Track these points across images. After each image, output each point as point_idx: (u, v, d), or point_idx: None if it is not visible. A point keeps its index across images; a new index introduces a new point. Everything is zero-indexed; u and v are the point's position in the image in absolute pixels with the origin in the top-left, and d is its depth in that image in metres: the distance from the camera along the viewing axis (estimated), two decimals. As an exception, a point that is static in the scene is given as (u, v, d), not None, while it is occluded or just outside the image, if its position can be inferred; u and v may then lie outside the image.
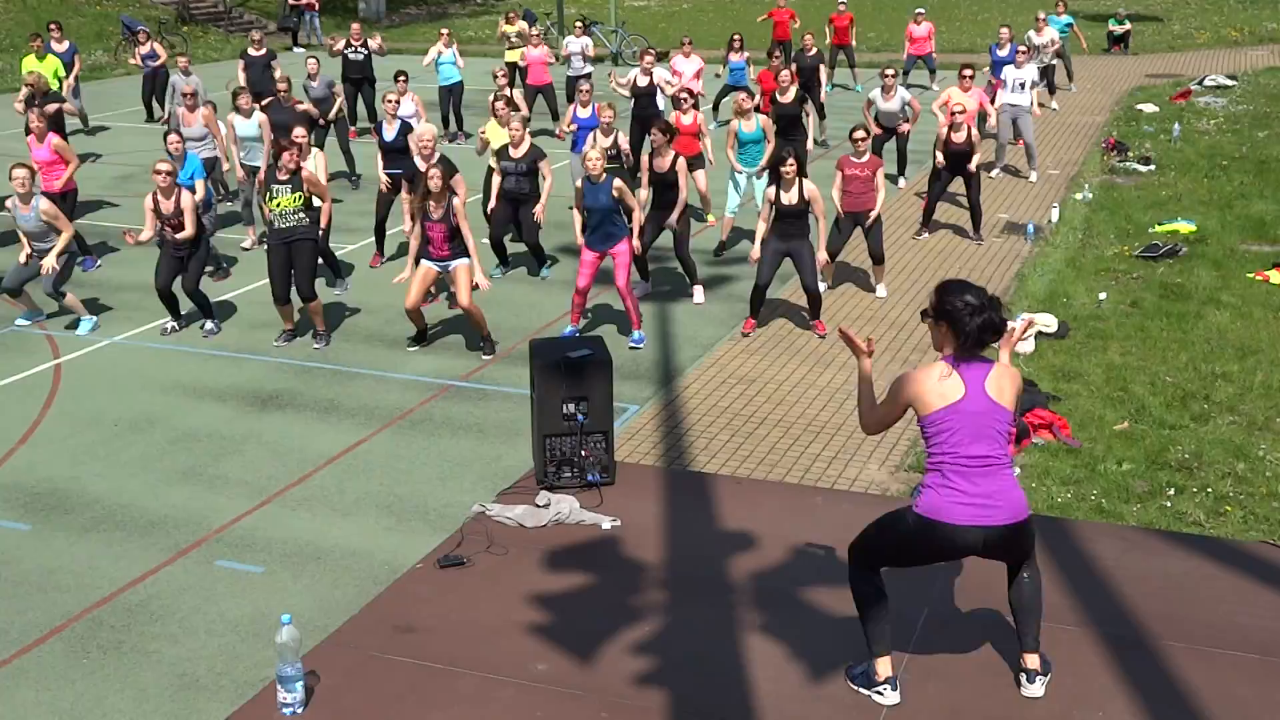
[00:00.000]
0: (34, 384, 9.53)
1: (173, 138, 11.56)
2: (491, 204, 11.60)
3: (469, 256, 9.58)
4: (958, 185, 13.73)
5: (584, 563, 6.35)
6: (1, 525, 7.34)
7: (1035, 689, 5.20)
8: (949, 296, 4.92)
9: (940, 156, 12.58)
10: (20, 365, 9.89)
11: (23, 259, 10.43)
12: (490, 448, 8.27)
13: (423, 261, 9.65)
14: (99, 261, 12.42)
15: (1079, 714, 5.07)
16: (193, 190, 11.05)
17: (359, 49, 17.26)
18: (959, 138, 12.39)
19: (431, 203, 9.38)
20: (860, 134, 10.72)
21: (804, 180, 9.83)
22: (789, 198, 9.79)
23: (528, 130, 11.40)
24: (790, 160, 9.77)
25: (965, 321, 4.84)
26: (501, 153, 11.36)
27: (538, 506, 6.87)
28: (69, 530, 7.26)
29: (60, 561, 6.90)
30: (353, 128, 18.09)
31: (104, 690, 5.75)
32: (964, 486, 4.80)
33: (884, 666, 5.19)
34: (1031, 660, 5.21)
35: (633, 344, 9.90)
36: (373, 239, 12.68)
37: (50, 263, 10.20)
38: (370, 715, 5.16)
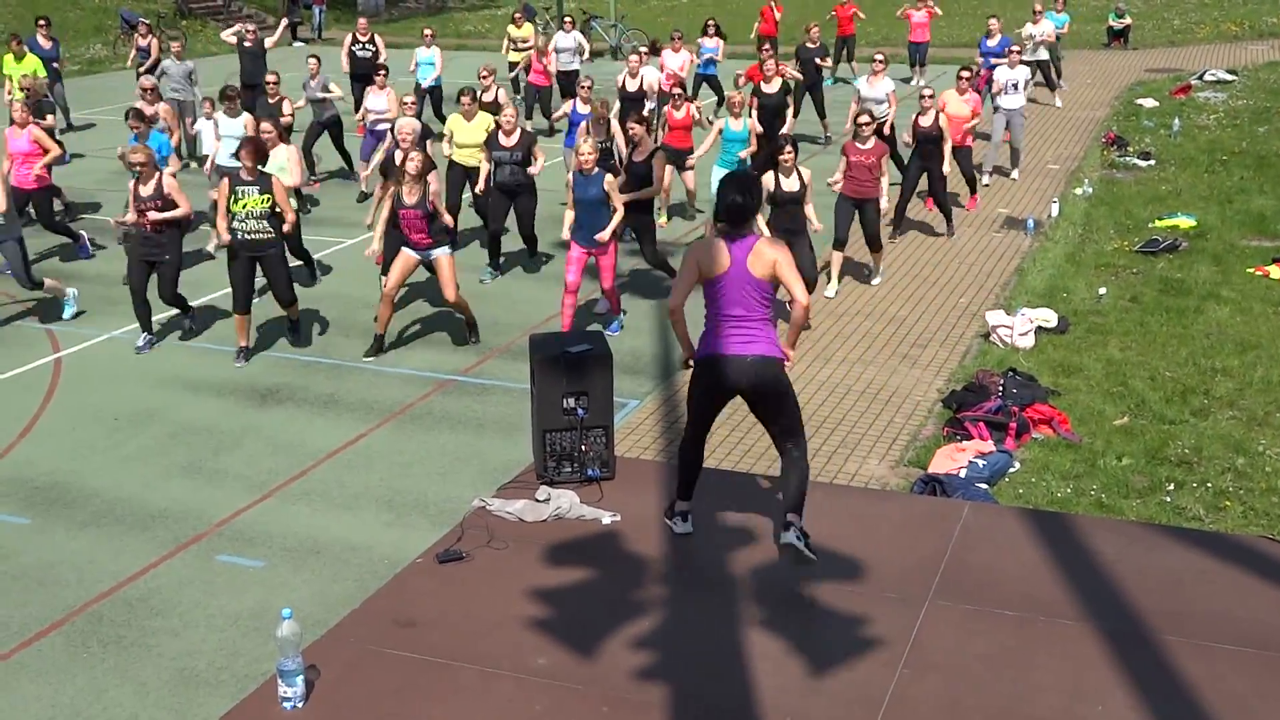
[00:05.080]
0: (34, 378, 9.53)
1: (132, 120, 11.48)
2: (479, 188, 11.53)
3: (449, 246, 9.58)
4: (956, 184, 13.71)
5: (584, 557, 6.35)
6: (1, 519, 7.34)
7: (790, 536, 5.95)
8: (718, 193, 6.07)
9: (909, 138, 12.62)
10: (20, 359, 9.89)
11: None
12: (490, 443, 8.27)
13: (403, 249, 9.59)
14: (92, 249, 12.34)
15: (1079, 708, 5.07)
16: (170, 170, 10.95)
17: (366, 45, 17.17)
18: (925, 121, 12.36)
19: (405, 189, 9.32)
20: (865, 119, 10.71)
21: (799, 168, 9.86)
22: (788, 184, 9.80)
23: (519, 123, 11.31)
24: (788, 148, 9.81)
25: (717, 208, 6.09)
26: (492, 142, 11.18)
27: (537, 501, 6.87)
28: (69, 524, 7.27)
29: (60, 555, 6.90)
30: (361, 123, 18.03)
31: (104, 684, 5.76)
32: (725, 333, 6.00)
33: (682, 505, 6.53)
34: (794, 517, 6.03)
35: (609, 332, 9.92)
36: (367, 235, 12.63)
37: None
38: (370, 709, 5.17)
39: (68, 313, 10.55)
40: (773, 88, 13.74)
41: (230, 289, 9.69)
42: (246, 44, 16.69)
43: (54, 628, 6.22)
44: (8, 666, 5.91)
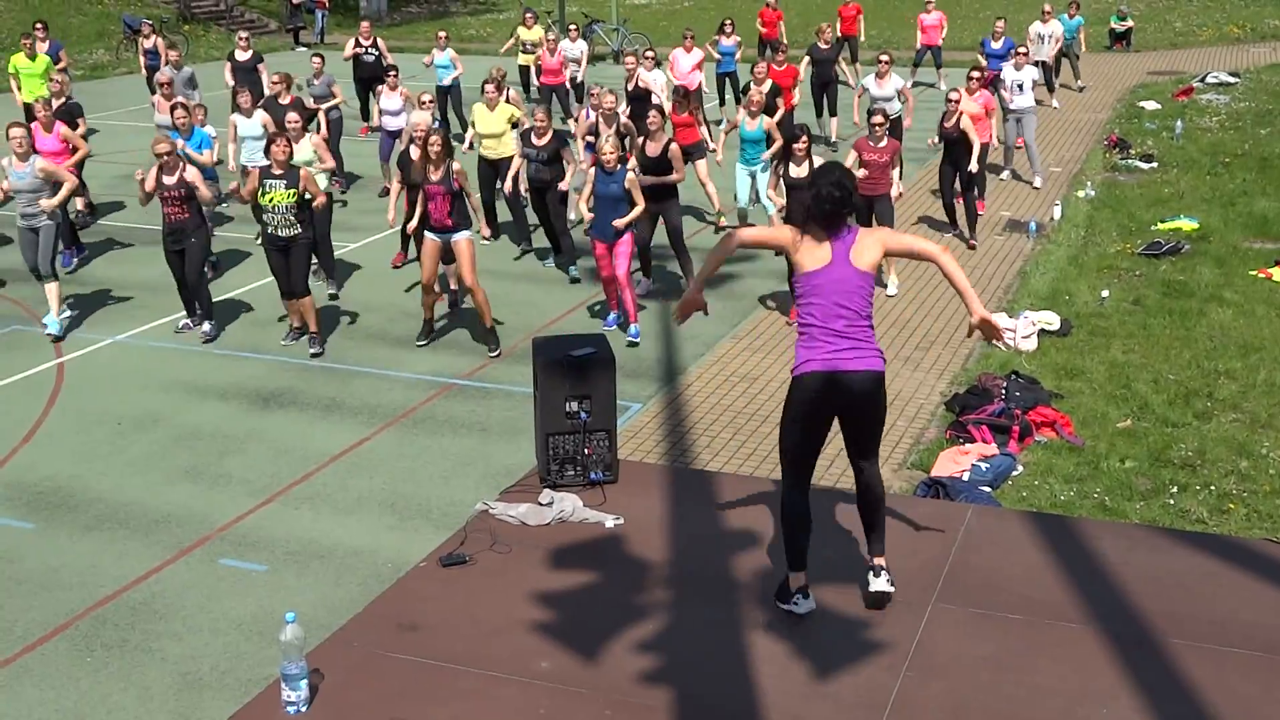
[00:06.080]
0: (37, 382, 9.54)
1: (179, 112, 11.64)
2: (508, 186, 11.89)
3: (470, 228, 9.70)
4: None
5: (587, 561, 6.35)
6: (5, 524, 7.35)
7: (881, 582, 5.73)
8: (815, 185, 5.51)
9: (934, 141, 12.87)
10: (23, 364, 9.90)
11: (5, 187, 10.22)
12: (493, 446, 8.27)
13: (426, 235, 9.75)
14: (75, 261, 12.34)
15: (1083, 711, 5.06)
16: (201, 168, 11.11)
17: (369, 50, 17.18)
18: (949, 124, 12.40)
19: (430, 166, 9.54)
20: (879, 119, 10.75)
21: (815, 159, 9.93)
22: (797, 172, 9.94)
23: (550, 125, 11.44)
24: (804, 138, 9.97)
25: (816, 201, 5.46)
26: (525, 138, 11.45)
27: (541, 505, 6.87)
28: (72, 529, 7.27)
29: (64, 560, 6.91)
30: (365, 124, 18.03)
31: (108, 688, 5.76)
32: (828, 342, 5.45)
33: (796, 580, 5.71)
34: (880, 560, 5.77)
35: (630, 339, 9.91)
36: (374, 238, 12.65)
37: (50, 203, 10.06)
38: (373, 713, 5.17)
39: (51, 329, 10.33)
40: (763, 88, 13.91)
41: (273, 277, 10.04)
42: (239, 56, 16.72)
43: (57, 632, 6.22)
44: (11, 671, 5.91)
